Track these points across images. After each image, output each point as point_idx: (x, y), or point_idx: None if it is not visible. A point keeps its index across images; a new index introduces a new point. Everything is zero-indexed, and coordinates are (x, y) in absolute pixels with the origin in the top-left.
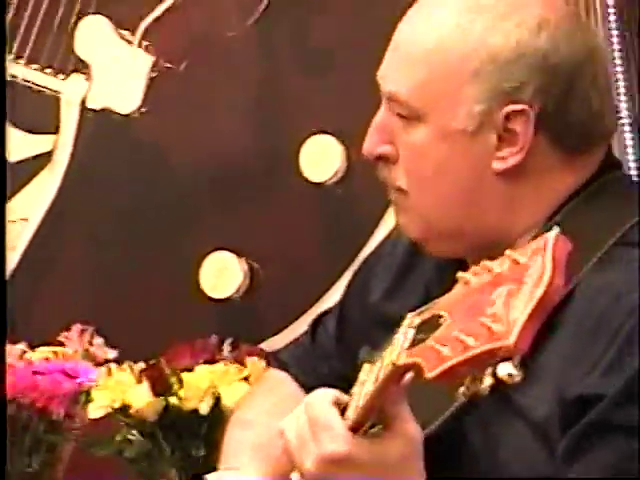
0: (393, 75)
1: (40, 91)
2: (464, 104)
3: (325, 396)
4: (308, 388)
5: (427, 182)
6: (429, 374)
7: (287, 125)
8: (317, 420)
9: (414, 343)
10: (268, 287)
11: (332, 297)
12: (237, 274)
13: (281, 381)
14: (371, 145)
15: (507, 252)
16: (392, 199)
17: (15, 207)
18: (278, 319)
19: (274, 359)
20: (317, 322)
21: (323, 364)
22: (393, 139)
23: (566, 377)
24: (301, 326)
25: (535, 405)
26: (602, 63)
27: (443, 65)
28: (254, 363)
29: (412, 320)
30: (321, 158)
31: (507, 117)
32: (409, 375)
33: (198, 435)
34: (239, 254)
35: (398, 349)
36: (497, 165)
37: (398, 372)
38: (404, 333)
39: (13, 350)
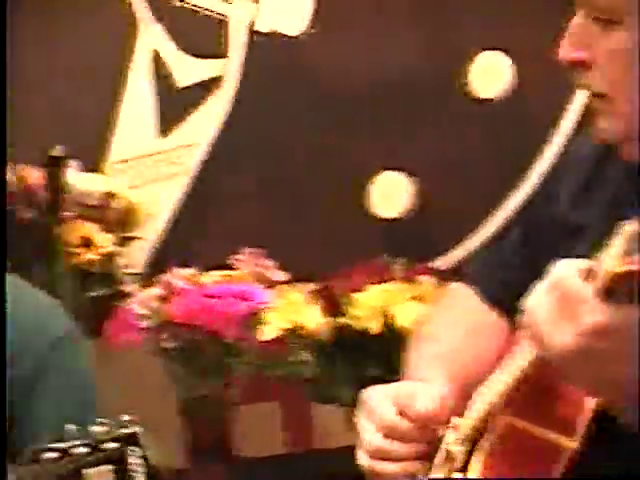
0: None
1: (208, 15)
2: None
3: (571, 267)
4: (492, 299)
5: (628, 85)
6: None
7: (456, 42)
8: (571, 294)
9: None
10: (438, 206)
11: (501, 215)
12: (406, 193)
13: (464, 294)
14: (567, 51)
15: None
16: (590, 104)
17: (185, 132)
18: (448, 238)
19: (457, 273)
20: (501, 234)
21: (507, 275)
22: (590, 44)
23: None
24: (471, 244)
25: None
26: None
27: None
28: (426, 282)
29: (631, 227)
30: (491, 74)
31: None
32: None
33: (372, 354)
34: (408, 173)
35: (615, 255)
36: None
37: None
38: (623, 239)
39: (184, 274)
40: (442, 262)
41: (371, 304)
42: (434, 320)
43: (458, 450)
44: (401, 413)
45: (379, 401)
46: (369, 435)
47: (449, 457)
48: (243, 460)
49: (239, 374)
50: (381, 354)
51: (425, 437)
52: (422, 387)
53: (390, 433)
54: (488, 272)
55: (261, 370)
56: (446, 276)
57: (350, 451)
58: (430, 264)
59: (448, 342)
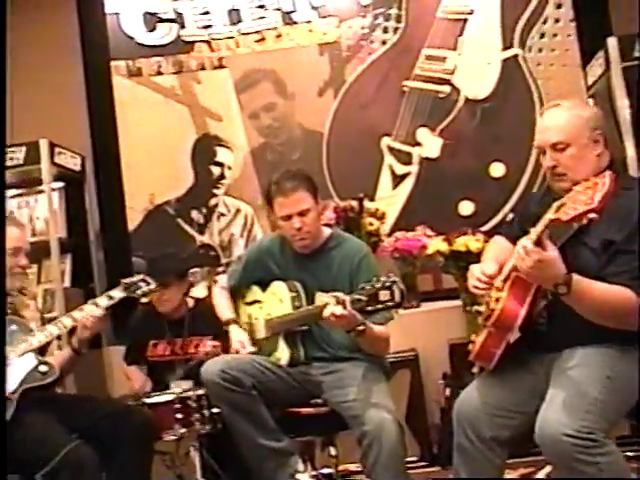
0: None
1: None
2: None
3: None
4: (509, 239)
5: (574, 170)
6: None
7: None
8: (527, 248)
9: None
10: (481, 212)
11: (504, 210)
12: (470, 209)
13: (499, 238)
14: (547, 163)
15: None
16: (556, 178)
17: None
18: (484, 221)
19: None
20: (510, 220)
21: (513, 230)
22: (557, 158)
23: None
24: (492, 223)
25: None
26: None
27: None
28: (479, 235)
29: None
30: None
31: None
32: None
33: (463, 258)
34: (472, 201)
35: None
36: None
37: None
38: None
39: (401, 233)
40: (485, 229)
41: (461, 242)
42: (491, 246)
43: (497, 296)
44: (482, 272)
45: (475, 267)
46: (471, 277)
47: (492, 301)
48: None
49: (421, 264)
50: (467, 258)
51: (488, 284)
52: (489, 265)
53: (478, 279)
54: (506, 230)
55: (425, 264)
56: (487, 233)
57: None
58: (480, 229)
59: (496, 253)
